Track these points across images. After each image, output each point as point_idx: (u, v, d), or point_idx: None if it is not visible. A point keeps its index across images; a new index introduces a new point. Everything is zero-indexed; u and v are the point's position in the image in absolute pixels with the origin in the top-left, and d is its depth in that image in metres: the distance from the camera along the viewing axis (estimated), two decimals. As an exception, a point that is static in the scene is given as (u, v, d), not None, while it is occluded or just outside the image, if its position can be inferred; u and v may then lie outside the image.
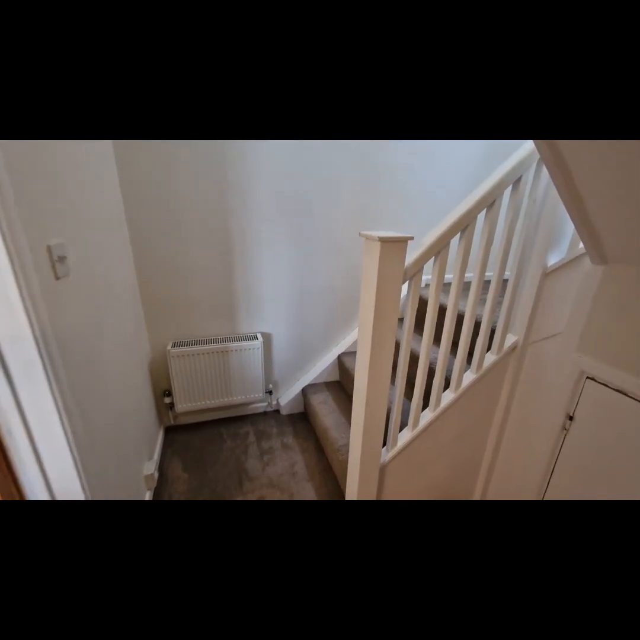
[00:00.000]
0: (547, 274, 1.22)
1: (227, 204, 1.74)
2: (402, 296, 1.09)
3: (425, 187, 1.98)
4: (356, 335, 2.19)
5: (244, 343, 1.88)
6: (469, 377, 1.36)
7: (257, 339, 1.93)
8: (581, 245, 1.12)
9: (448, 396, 1.36)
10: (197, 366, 1.84)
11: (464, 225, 1.08)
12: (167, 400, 1.91)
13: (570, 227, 1.18)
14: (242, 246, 1.83)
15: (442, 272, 1.13)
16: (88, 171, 1.18)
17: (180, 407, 1.88)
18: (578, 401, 1.13)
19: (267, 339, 2.06)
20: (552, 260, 1.21)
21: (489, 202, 1.09)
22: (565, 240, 1.20)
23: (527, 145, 1.10)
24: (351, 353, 2.18)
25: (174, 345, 1.80)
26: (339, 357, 2.17)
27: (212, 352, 1.84)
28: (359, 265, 2.05)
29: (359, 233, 1.07)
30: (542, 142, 0.79)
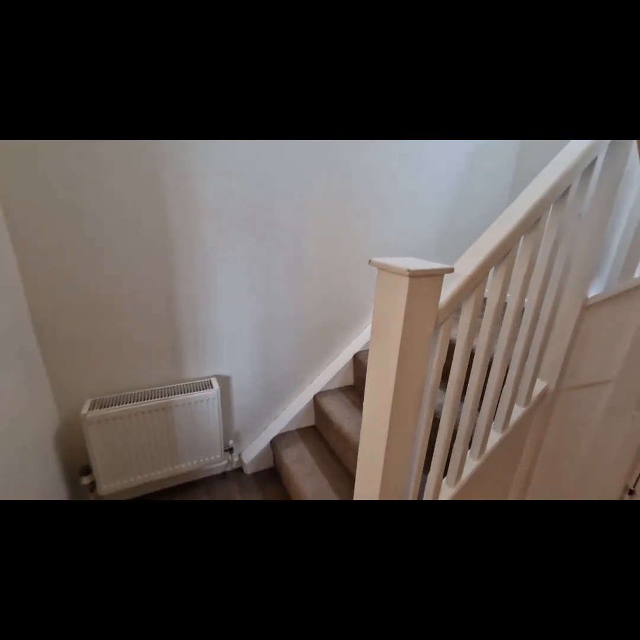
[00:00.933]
0: (588, 306, 0.99)
1: (168, 213, 1.30)
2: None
3: (406, 194, 1.71)
4: (333, 370, 1.84)
5: (195, 394, 1.43)
6: (493, 437, 1.08)
7: (212, 386, 1.49)
8: (638, 273, 0.90)
9: (470, 464, 1.06)
10: (129, 431, 1.35)
11: (507, 249, 0.80)
12: (85, 480, 1.38)
13: (613, 251, 0.96)
14: (188, 266, 1.40)
15: (477, 310, 0.83)
16: None
17: (104, 488, 1.37)
18: (642, 471, 0.90)
19: (225, 383, 1.62)
20: (593, 291, 0.98)
21: (535, 219, 0.82)
22: (606, 267, 0.98)
23: (572, 148, 0.86)
24: (328, 391, 1.83)
25: (92, 407, 1.30)
26: (315, 398, 1.80)
27: (150, 411, 1.36)
28: (335, 287, 1.72)
29: (369, 261, 0.73)
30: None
